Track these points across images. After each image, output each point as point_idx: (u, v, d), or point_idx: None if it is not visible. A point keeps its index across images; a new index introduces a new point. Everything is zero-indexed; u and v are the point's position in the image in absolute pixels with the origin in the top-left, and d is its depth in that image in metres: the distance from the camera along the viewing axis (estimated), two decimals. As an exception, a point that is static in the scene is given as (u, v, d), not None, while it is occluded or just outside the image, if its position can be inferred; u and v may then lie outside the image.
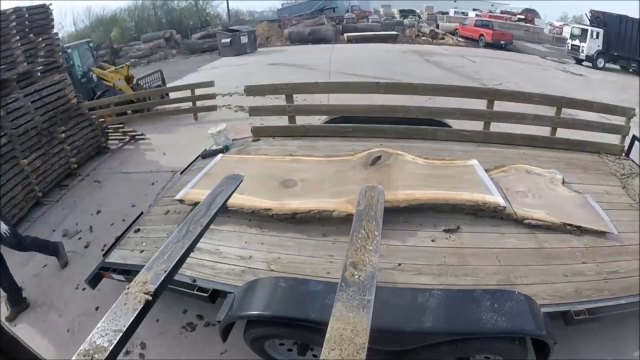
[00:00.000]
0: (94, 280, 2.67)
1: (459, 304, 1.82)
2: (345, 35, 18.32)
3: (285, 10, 26.13)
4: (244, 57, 15.30)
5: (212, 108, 7.25)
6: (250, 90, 4.06)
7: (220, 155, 3.75)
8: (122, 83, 8.54)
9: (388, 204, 2.18)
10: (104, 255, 2.84)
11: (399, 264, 2.13)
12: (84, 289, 3.19)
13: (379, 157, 3.00)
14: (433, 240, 2.28)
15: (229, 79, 9.10)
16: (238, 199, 2.54)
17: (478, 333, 1.73)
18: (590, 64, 13.48)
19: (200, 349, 2.62)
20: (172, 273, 1.28)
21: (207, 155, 3.93)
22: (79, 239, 4.04)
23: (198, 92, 7.29)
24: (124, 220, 3.72)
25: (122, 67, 8.89)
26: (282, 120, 4.50)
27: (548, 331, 1.72)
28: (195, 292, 2.20)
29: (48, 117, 5.25)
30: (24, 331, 2.99)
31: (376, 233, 1.44)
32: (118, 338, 1.03)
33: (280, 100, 4.47)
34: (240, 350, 2.39)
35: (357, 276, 1.23)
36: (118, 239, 2.92)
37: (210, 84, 7.27)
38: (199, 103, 7.29)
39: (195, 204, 2.53)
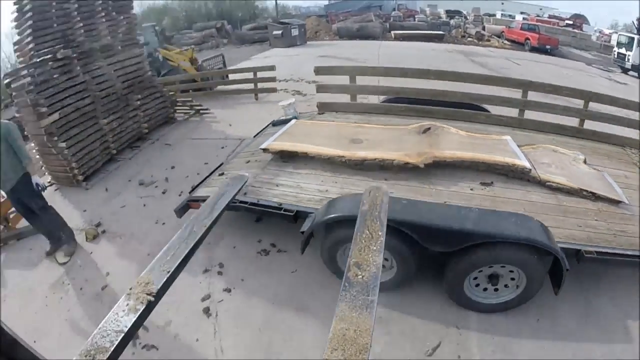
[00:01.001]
0: (182, 210, 3.18)
1: (491, 217, 2.39)
2: (392, 32, 18.12)
3: (333, 7, 26.52)
4: (295, 48, 15.57)
5: (272, 90, 7.65)
6: (319, 71, 4.93)
7: (294, 120, 4.33)
8: (186, 64, 9.28)
9: (437, 159, 2.96)
10: (190, 192, 3.40)
11: (445, 202, 2.66)
12: (163, 224, 3.75)
13: (429, 128, 3.57)
14: (471, 189, 2.83)
15: (283, 67, 9.40)
16: (316, 149, 3.25)
17: (504, 237, 2.17)
18: (636, 74, 12.73)
19: (273, 269, 3.04)
20: (175, 274, 1.29)
21: (277, 123, 4.52)
22: (155, 187, 4.59)
23: (260, 75, 7.72)
24: (198, 174, 4.27)
25: (187, 50, 9.73)
26: (344, 98, 5.06)
27: (561, 254, 2.13)
28: (282, 212, 2.71)
29: (126, 85, 6.00)
30: (106, 254, 3.51)
31: (380, 233, 1.45)
32: (120, 338, 1.04)
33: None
34: (309, 269, 2.91)
35: (360, 276, 1.24)
36: (203, 180, 3.54)
37: (271, 67, 7.69)
38: (259, 85, 7.75)
39: (279, 152, 3.34)
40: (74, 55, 5.36)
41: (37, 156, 5.16)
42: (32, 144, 5.17)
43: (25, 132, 4.82)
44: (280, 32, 16.05)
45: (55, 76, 5.20)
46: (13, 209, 4.06)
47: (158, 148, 5.91)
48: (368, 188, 1.75)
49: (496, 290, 2.45)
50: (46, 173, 5.29)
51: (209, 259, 3.23)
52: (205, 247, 3.33)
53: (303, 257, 2.80)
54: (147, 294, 1.14)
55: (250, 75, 7.83)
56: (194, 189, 3.49)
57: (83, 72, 5.46)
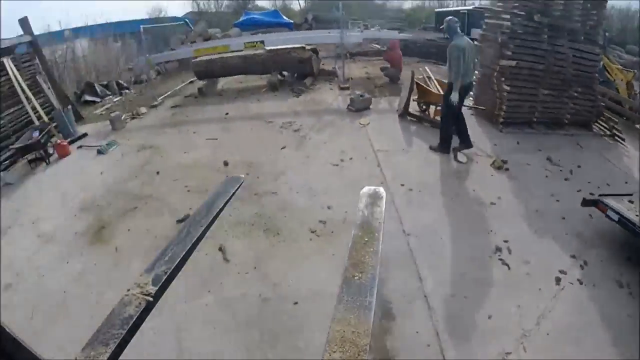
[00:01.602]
0: (587, 203, 4.18)
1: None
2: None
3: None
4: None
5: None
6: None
7: None
8: (622, 84, 9.03)
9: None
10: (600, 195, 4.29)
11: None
12: (557, 200, 4.99)
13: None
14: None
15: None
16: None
17: None
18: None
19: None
20: (173, 274, 1.30)
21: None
22: (560, 170, 5.70)
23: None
24: (608, 184, 5.36)
25: (629, 72, 9.19)
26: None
27: None
28: None
29: (575, 74, 6.61)
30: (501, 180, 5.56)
31: (377, 234, 1.44)
32: (118, 341, 1.03)
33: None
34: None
35: (358, 277, 1.24)
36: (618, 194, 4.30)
37: None
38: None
39: None
40: (546, 24, 6.28)
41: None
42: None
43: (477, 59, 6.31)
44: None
45: (523, 33, 6.37)
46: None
47: (570, 143, 6.64)
48: (365, 190, 1.74)
49: None
50: (471, 98, 7.45)
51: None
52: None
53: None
54: (145, 295, 1.15)
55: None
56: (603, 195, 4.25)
57: (547, 43, 6.42)
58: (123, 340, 1.04)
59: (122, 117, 9.05)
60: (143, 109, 9.79)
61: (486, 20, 7.30)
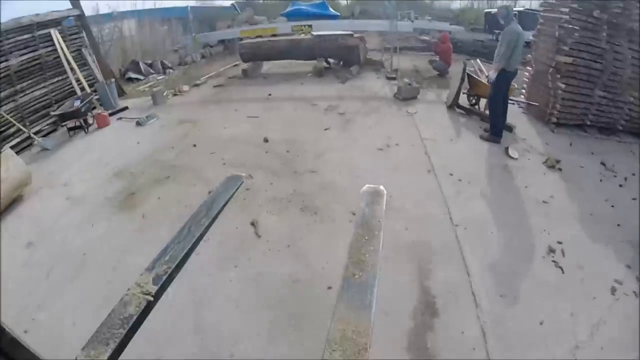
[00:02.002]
0: None
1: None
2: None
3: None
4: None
5: None
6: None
7: None
8: None
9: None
10: None
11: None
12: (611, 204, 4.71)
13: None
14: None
15: None
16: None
17: None
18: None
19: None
20: (174, 274, 1.31)
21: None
22: (615, 176, 5.36)
23: None
24: None
25: None
26: None
27: None
28: None
29: (635, 77, 6.13)
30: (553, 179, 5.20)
31: (377, 232, 1.45)
32: (118, 341, 1.04)
33: None
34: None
35: (358, 276, 1.24)
36: None
37: None
38: None
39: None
40: (605, 21, 6.01)
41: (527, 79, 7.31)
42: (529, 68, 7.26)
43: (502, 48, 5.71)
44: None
45: (582, 29, 6.06)
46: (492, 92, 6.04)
47: (624, 150, 6.03)
48: (365, 188, 1.73)
49: None
50: (522, 95, 7.44)
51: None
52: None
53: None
54: (146, 294, 1.15)
55: None
56: None
57: (606, 41, 6.11)
58: (123, 340, 1.05)
59: (165, 94, 9.27)
60: (186, 87, 9.92)
61: (543, 14, 6.97)
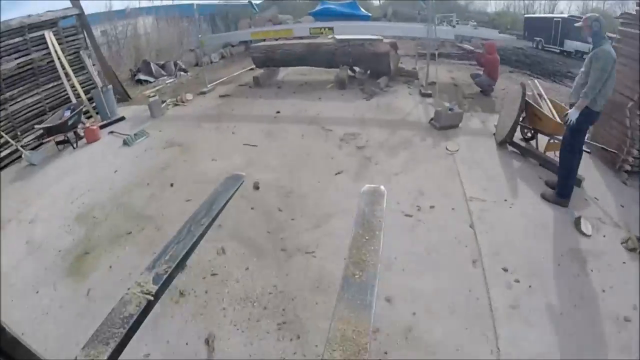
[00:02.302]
0: None
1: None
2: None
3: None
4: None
5: None
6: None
7: None
8: None
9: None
10: None
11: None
12: None
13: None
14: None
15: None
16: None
17: None
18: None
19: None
20: (174, 273, 1.48)
21: None
22: None
23: None
24: None
25: None
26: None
27: None
28: None
29: None
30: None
31: (378, 232, 1.62)
32: (119, 340, 1.19)
33: None
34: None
35: (358, 276, 1.40)
36: None
37: None
38: None
39: None
40: None
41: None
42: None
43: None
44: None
45: None
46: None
47: None
48: (365, 188, 1.92)
49: None
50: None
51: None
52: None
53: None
54: (146, 294, 1.31)
55: None
56: None
57: None
58: (124, 339, 1.22)
59: (165, 103, 9.80)
60: (189, 95, 10.43)
61: (621, 28, 6.28)
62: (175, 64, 13.77)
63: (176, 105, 10.02)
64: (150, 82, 12.61)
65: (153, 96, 10.25)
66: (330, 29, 10.38)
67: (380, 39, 10.50)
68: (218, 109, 9.54)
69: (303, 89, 10.70)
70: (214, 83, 11.61)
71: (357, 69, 11.47)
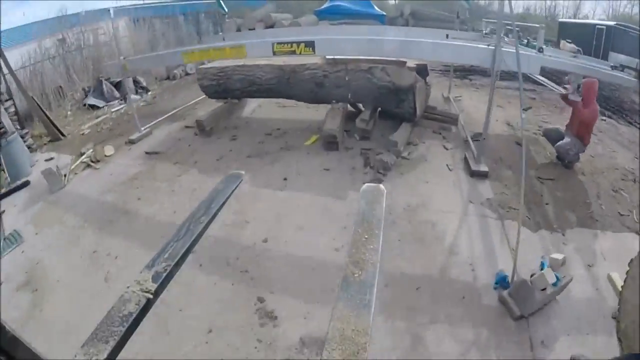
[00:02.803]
0: None
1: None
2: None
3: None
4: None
5: None
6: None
7: None
8: None
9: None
10: None
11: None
12: None
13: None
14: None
15: None
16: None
17: None
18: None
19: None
20: (173, 271, 1.73)
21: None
22: None
23: None
24: None
25: None
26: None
27: None
28: None
29: None
30: None
31: (377, 232, 1.93)
32: (119, 337, 1.43)
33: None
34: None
35: (357, 275, 1.69)
36: None
37: None
38: None
39: None
40: None
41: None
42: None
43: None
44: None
45: None
46: None
47: None
48: (365, 187, 2.26)
49: None
50: None
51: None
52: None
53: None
54: (146, 292, 1.60)
55: None
56: None
57: None
58: (123, 337, 1.46)
59: (70, 169, 7.95)
60: (109, 149, 8.63)
61: None
62: (136, 81, 12.89)
63: (88, 166, 8.22)
64: (100, 108, 11.56)
65: (101, 126, 9.60)
66: (310, 45, 7.70)
67: (402, 62, 7.74)
68: (124, 190, 7.39)
69: (270, 144, 8.10)
70: (158, 120, 9.57)
71: (361, 105, 8.35)
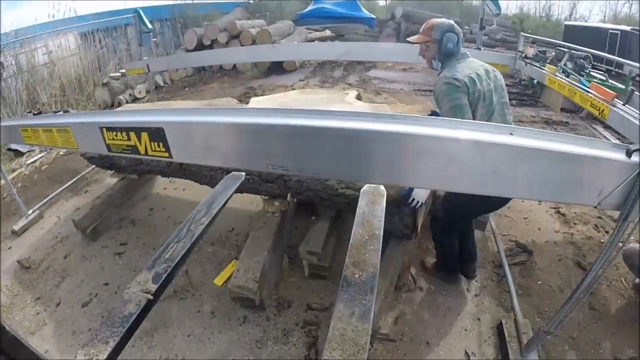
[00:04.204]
0: None
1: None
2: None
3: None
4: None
5: None
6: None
7: None
8: None
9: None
10: None
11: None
12: None
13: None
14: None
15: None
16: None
17: None
18: None
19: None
20: (174, 272, 1.75)
21: None
22: None
23: None
24: None
25: None
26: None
27: None
28: None
29: None
30: None
31: (378, 232, 1.95)
32: (119, 339, 1.44)
33: None
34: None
35: (358, 276, 1.71)
36: None
37: None
38: None
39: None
40: None
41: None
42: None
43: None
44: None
45: None
46: None
47: None
48: (365, 187, 2.27)
49: None
50: None
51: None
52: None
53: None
54: (146, 293, 1.60)
55: None
56: None
57: None
58: (123, 338, 1.46)
59: None
60: None
61: None
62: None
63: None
64: (23, 154, 9.33)
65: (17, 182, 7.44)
66: (157, 138, 2.80)
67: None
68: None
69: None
70: (55, 194, 6.82)
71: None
